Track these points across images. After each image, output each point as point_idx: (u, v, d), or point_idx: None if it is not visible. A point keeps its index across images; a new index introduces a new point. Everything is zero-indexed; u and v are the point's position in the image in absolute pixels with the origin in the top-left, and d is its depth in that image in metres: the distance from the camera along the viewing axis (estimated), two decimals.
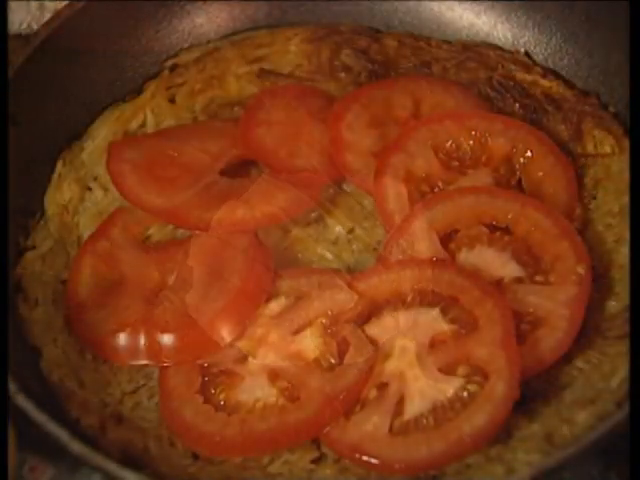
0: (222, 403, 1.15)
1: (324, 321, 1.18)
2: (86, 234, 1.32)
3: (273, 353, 1.16)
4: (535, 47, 1.46)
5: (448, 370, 1.12)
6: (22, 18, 1.53)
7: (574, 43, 1.43)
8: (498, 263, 1.21)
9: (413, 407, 1.10)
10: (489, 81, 1.43)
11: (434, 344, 1.14)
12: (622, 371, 1.13)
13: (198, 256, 1.25)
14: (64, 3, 1.41)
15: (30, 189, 1.34)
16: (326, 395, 1.11)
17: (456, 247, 1.23)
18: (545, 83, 1.42)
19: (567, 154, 1.32)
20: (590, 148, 1.35)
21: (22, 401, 1.08)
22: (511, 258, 1.21)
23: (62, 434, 1.06)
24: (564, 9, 1.43)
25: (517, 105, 1.40)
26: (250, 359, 1.17)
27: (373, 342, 1.15)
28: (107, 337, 1.19)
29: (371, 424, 1.10)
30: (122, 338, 1.19)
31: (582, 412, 1.11)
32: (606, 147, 1.34)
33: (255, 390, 1.14)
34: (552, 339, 1.14)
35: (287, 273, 1.24)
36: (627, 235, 1.25)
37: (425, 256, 1.21)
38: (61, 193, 1.36)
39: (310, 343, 1.16)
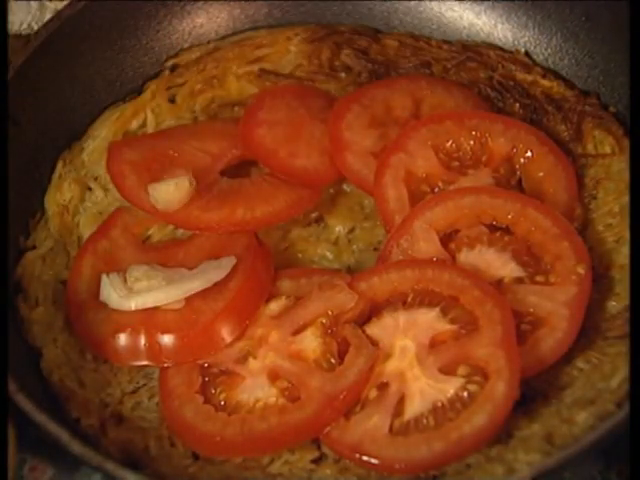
0: (222, 403, 1.15)
1: (324, 321, 1.18)
2: (86, 234, 1.32)
3: (273, 353, 1.16)
4: (535, 47, 1.46)
5: (448, 370, 1.12)
6: (22, 18, 1.53)
7: (574, 43, 1.43)
8: (498, 263, 1.21)
9: (413, 407, 1.10)
10: (489, 81, 1.43)
11: (434, 344, 1.14)
12: (622, 371, 1.13)
13: (198, 256, 1.26)
14: (64, 3, 1.41)
15: (30, 189, 1.34)
16: (326, 395, 1.11)
17: (456, 247, 1.23)
18: (545, 83, 1.42)
19: (567, 154, 1.32)
20: (590, 148, 1.35)
21: (22, 401, 1.08)
22: (511, 258, 1.21)
23: (62, 434, 1.06)
24: (564, 9, 1.43)
25: (517, 105, 1.40)
26: (250, 359, 1.17)
27: (373, 342, 1.15)
28: (107, 337, 1.19)
29: (371, 424, 1.10)
30: (122, 338, 1.19)
31: (582, 412, 1.11)
32: (606, 147, 1.34)
33: (255, 390, 1.15)
34: (552, 339, 1.14)
35: (287, 273, 1.24)
36: (627, 235, 1.25)
37: (425, 256, 1.21)
38: (61, 193, 1.36)
39: (310, 343, 1.16)
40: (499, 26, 1.49)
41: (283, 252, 1.30)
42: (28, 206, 1.33)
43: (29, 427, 1.07)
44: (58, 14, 1.38)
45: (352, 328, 1.17)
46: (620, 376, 1.13)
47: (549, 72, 1.44)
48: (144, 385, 1.21)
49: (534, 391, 1.14)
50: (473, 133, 1.31)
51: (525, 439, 1.10)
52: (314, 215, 1.33)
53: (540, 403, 1.14)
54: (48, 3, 1.54)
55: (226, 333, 1.18)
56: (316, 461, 1.13)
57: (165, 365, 1.18)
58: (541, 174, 1.29)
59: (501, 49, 1.47)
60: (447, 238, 1.24)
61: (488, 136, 1.31)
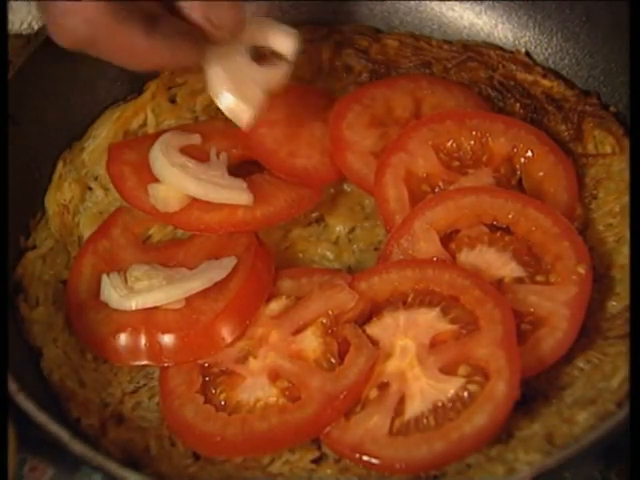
0: (223, 403, 1.15)
1: (325, 321, 1.18)
2: (87, 234, 1.32)
3: (274, 353, 1.16)
4: (536, 47, 1.46)
5: (449, 370, 1.12)
6: (23, 18, 1.53)
7: (575, 43, 1.43)
8: (499, 263, 1.21)
9: (414, 407, 1.10)
10: (490, 81, 1.43)
11: (435, 344, 1.14)
12: (623, 371, 1.13)
13: (199, 256, 1.26)
14: None
15: (31, 189, 1.34)
16: (327, 395, 1.11)
17: (457, 247, 1.23)
18: (546, 83, 1.42)
19: (568, 154, 1.32)
20: (591, 148, 1.35)
21: (22, 401, 1.08)
22: (512, 258, 1.21)
23: (62, 434, 1.06)
24: (565, 9, 1.43)
25: (518, 105, 1.40)
26: (251, 359, 1.17)
27: (374, 342, 1.15)
28: (108, 337, 1.19)
29: (372, 424, 1.10)
30: (122, 338, 1.19)
31: (583, 412, 1.11)
32: (607, 147, 1.34)
33: (256, 390, 1.15)
34: (553, 339, 1.14)
35: (288, 273, 1.24)
36: (628, 235, 1.25)
37: (426, 256, 1.22)
38: (62, 193, 1.36)
39: (311, 343, 1.16)
40: (499, 26, 1.49)
41: (284, 252, 1.30)
42: (28, 206, 1.33)
43: (29, 427, 1.07)
44: None
45: (352, 328, 1.17)
46: (620, 376, 1.13)
47: (549, 72, 1.44)
48: (144, 385, 1.21)
49: (534, 391, 1.14)
50: (473, 133, 1.31)
51: (525, 439, 1.10)
52: (315, 215, 1.33)
53: (540, 403, 1.14)
54: None
55: (226, 333, 1.18)
56: (316, 461, 1.13)
57: (165, 365, 1.18)
58: (541, 174, 1.29)
59: (501, 49, 1.47)
60: (447, 238, 1.24)
61: (488, 136, 1.31)
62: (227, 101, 1.24)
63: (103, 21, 1.07)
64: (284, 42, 1.27)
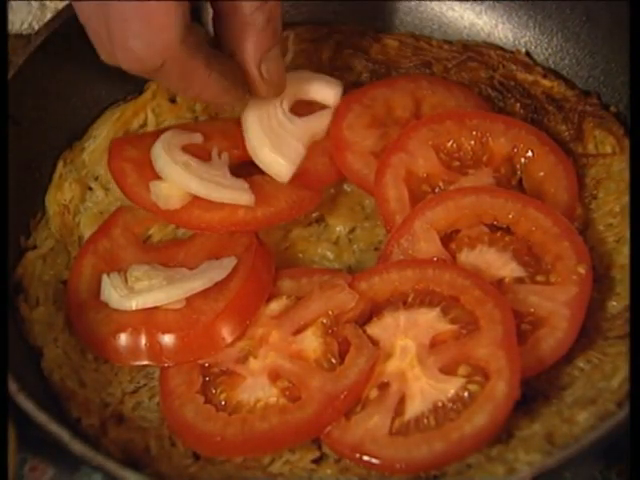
0: (223, 403, 1.15)
1: (325, 321, 1.18)
2: (87, 234, 1.32)
3: (274, 353, 1.16)
4: (536, 47, 1.46)
5: (449, 370, 1.12)
6: (23, 18, 1.53)
7: (575, 43, 1.43)
8: (499, 263, 1.21)
9: (414, 407, 1.11)
10: (490, 81, 1.43)
11: (435, 344, 1.14)
12: (623, 371, 1.13)
13: (199, 256, 1.26)
14: (65, 3, 1.41)
15: (31, 189, 1.34)
16: (327, 395, 1.11)
17: (457, 247, 1.23)
18: (546, 83, 1.42)
19: (568, 154, 1.32)
20: (591, 148, 1.35)
21: (23, 401, 1.08)
22: (512, 258, 1.21)
23: (63, 434, 1.06)
24: (565, 9, 1.43)
25: (518, 105, 1.40)
26: (251, 359, 1.17)
27: (374, 342, 1.16)
28: (108, 337, 1.19)
29: (372, 424, 1.10)
30: (123, 338, 1.19)
31: (583, 412, 1.11)
32: (607, 147, 1.34)
33: (256, 390, 1.15)
34: (553, 339, 1.14)
35: (288, 273, 1.24)
36: (628, 235, 1.25)
37: (426, 256, 1.22)
38: (62, 193, 1.36)
39: (311, 343, 1.17)
40: (500, 26, 1.49)
41: (284, 252, 1.30)
42: (29, 206, 1.33)
43: (30, 427, 1.07)
44: (59, 14, 1.38)
45: (353, 328, 1.17)
46: (621, 376, 1.13)
47: (550, 72, 1.44)
48: (145, 385, 1.21)
49: (535, 391, 1.14)
50: (474, 133, 1.31)
51: (526, 439, 1.10)
52: (315, 215, 1.33)
53: (541, 403, 1.14)
54: (49, 3, 1.54)
55: (227, 333, 1.18)
56: (317, 461, 1.13)
57: (166, 365, 1.18)
58: (542, 174, 1.29)
59: (502, 49, 1.47)
60: (448, 238, 1.24)
61: (489, 136, 1.31)
62: (265, 157, 1.28)
63: (176, 50, 1.07)
64: (328, 92, 1.33)
